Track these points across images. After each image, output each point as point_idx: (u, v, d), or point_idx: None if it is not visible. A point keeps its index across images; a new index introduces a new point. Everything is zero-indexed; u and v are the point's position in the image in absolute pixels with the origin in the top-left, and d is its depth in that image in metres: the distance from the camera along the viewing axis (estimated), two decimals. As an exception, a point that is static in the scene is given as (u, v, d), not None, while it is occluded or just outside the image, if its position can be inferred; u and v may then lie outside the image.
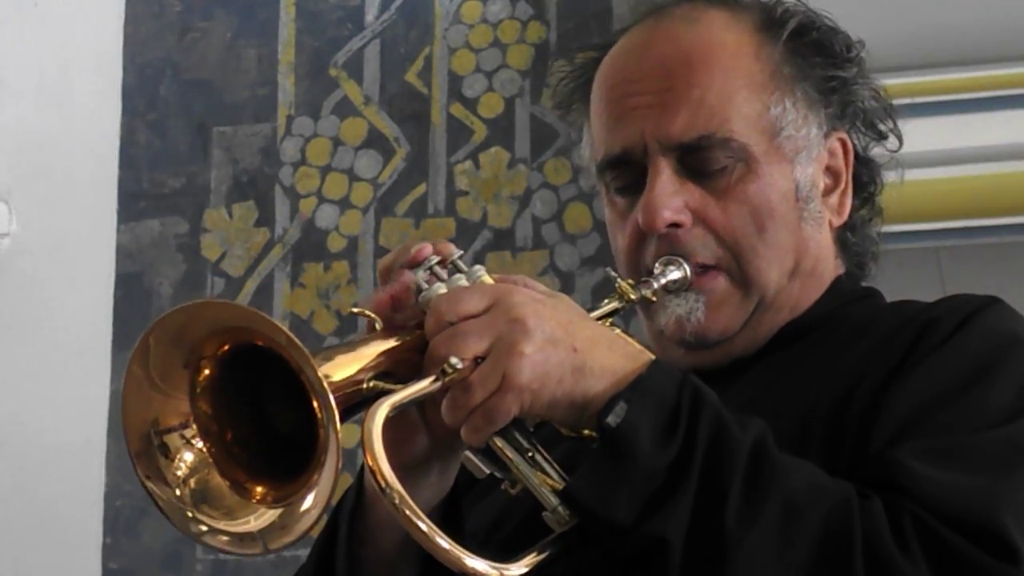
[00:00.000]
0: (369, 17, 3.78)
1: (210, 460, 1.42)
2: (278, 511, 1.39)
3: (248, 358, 1.40)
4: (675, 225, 1.62)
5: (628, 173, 1.66)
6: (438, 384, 1.39)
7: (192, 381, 1.42)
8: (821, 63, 1.69)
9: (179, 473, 1.43)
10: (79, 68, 3.93)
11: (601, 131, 1.68)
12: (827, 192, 1.70)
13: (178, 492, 1.42)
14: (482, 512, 1.63)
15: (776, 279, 1.65)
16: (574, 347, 1.41)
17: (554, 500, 1.42)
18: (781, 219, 1.64)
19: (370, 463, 1.35)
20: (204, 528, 1.41)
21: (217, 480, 1.43)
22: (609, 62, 1.71)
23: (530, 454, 1.44)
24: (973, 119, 3.27)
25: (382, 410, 1.37)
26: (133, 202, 3.84)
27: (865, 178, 1.73)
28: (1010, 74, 3.29)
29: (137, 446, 1.43)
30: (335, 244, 3.70)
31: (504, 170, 3.64)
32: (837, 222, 1.71)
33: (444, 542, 1.36)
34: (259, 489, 1.42)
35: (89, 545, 3.74)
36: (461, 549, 1.36)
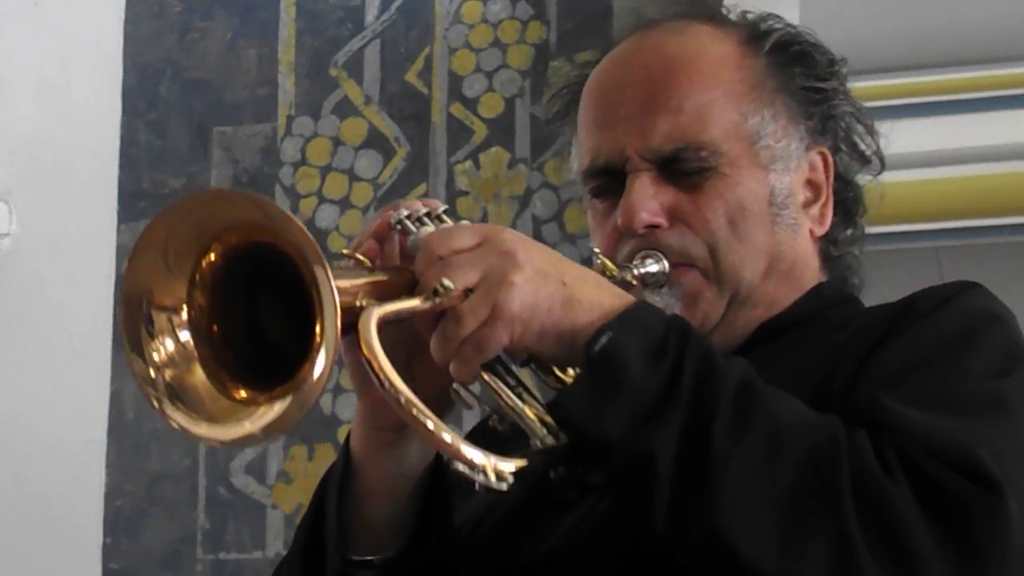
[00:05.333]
0: (369, 17, 3.78)
1: (194, 354, 1.42)
2: (286, 401, 1.37)
3: (250, 258, 1.41)
4: (653, 227, 1.65)
5: (610, 181, 1.70)
6: (428, 304, 1.41)
7: (195, 270, 1.42)
8: (802, 74, 1.72)
9: (156, 357, 1.42)
10: (79, 68, 3.93)
11: (586, 138, 1.72)
12: (807, 205, 1.73)
13: (152, 373, 1.42)
14: (472, 504, 1.65)
15: (749, 277, 1.67)
16: (563, 281, 1.43)
17: (542, 430, 1.44)
18: (754, 219, 1.67)
19: (365, 353, 1.37)
20: (175, 425, 1.41)
21: (197, 380, 1.42)
22: (596, 71, 1.75)
23: (518, 389, 1.46)
24: (973, 119, 3.27)
25: (373, 313, 1.39)
26: (133, 202, 3.84)
27: (847, 201, 1.76)
28: (1010, 74, 3.29)
29: (128, 299, 1.42)
30: (335, 244, 3.70)
31: (504, 170, 3.65)
32: (819, 231, 1.73)
33: (431, 422, 1.38)
34: (242, 392, 1.42)
35: (89, 545, 3.74)
36: (456, 435, 1.39)
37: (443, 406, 1.50)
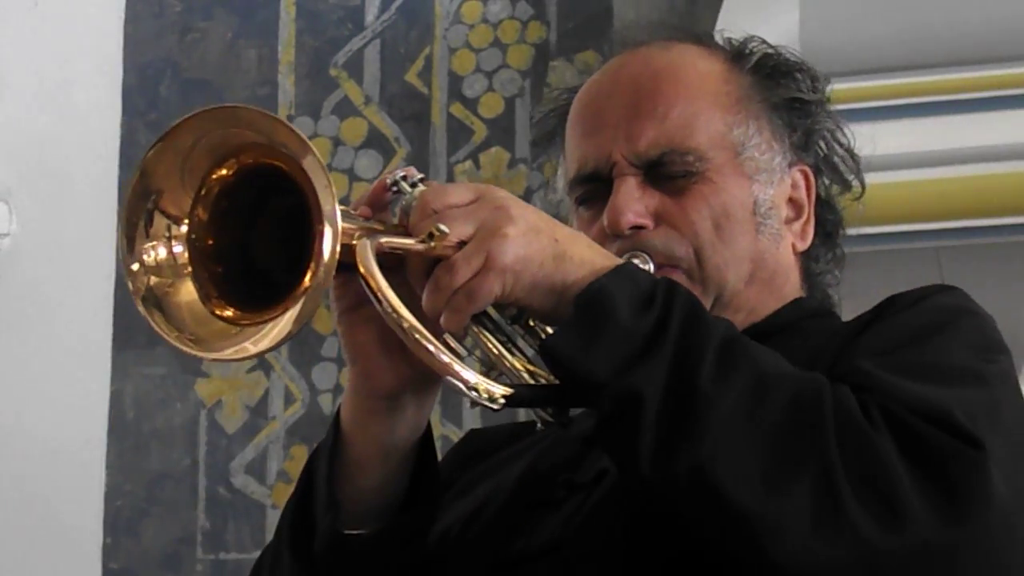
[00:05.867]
0: (369, 17, 3.79)
1: (184, 270, 1.43)
2: (297, 305, 1.38)
3: (256, 184, 1.43)
4: (638, 228, 1.68)
5: (597, 188, 1.72)
6: (423, 247, 1.44)
7: (202, 186, 1.44)
8: (785, 85, 1.76)
9: (147, 257, 1.44)
10: (79, 68, 3.93)
11: (574, 148, 1.76)
12: (789, 222, 1.76)
13: (135, 268, 1.43)
14: (463, 505, 1.67)
15: (733, 280, 1.70)
16: (555, 238, 1.47)
17: (530, 381, 1.47)
18: (738, 224, 1.70)
19: (363, 272, 1.40)
20: (155, 329, 1.41)
21: (182, 299, 1.43)
22: (584, 87, 1.79)
23: (508, 344, 1.49)
24: (973, 119, 3.27)
25: (370, 241, 1.43)
26: (133, 202, 3.84)
27: (828, 223, 1.78)
28: (1010, 74, 3.29)
29: (137, 188, 1.43)
30: (335, 244, 3.70)
31: (504, 170, 3.65)
32: (801, 246, 1.77)
33: (431, 345, 1.41)
34: (228, 312, 1.43)
35: (89, 545, 3.74)
36: (452, 355, 1.41)
37: (430, 379, 1.53)
